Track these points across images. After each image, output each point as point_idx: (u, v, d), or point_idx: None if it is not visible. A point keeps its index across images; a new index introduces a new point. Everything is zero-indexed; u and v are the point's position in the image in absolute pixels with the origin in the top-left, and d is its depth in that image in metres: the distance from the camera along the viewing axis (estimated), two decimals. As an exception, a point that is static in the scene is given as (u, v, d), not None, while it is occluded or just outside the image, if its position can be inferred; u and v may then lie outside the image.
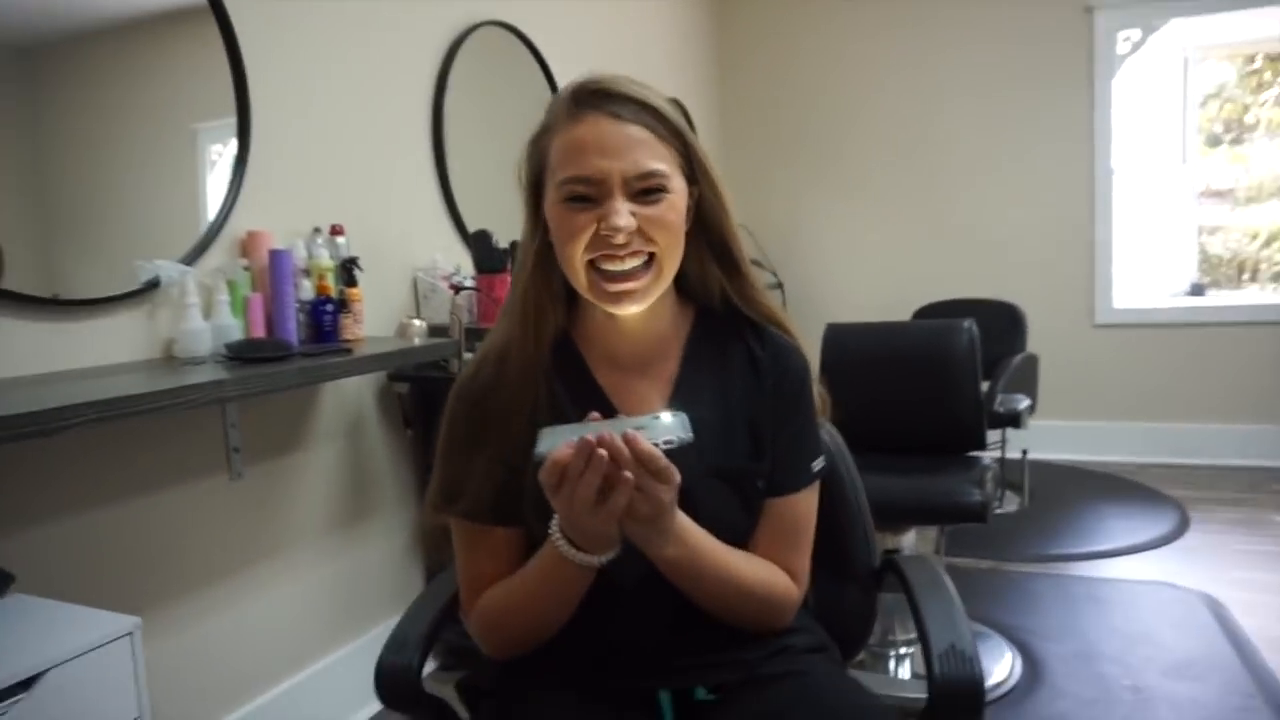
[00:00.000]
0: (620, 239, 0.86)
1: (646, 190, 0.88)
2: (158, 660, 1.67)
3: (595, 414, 0.82)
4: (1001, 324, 3.58)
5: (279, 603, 1.97)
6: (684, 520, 0.87)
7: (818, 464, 1.01)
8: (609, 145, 0.87)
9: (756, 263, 4.44)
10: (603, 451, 0.76)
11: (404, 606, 2.46)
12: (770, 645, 0.96)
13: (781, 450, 0.97)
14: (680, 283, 0.98)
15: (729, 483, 0.95)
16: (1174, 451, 4.04)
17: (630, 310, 0.91)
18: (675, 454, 0.79)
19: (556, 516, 0.84)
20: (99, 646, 1.15)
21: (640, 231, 0.88)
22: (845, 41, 4.48)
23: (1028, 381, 3.37)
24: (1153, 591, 2.65)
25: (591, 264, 0.89)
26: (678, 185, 0.91)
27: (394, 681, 0.96)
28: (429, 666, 1.02)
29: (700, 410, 0.88)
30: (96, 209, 1.67)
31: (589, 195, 0.88)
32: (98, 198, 1.67)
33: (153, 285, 1.68)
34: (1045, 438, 4.03)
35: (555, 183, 0.89)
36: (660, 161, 0.89)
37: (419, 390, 2.28)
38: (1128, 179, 4.16)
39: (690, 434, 0.79)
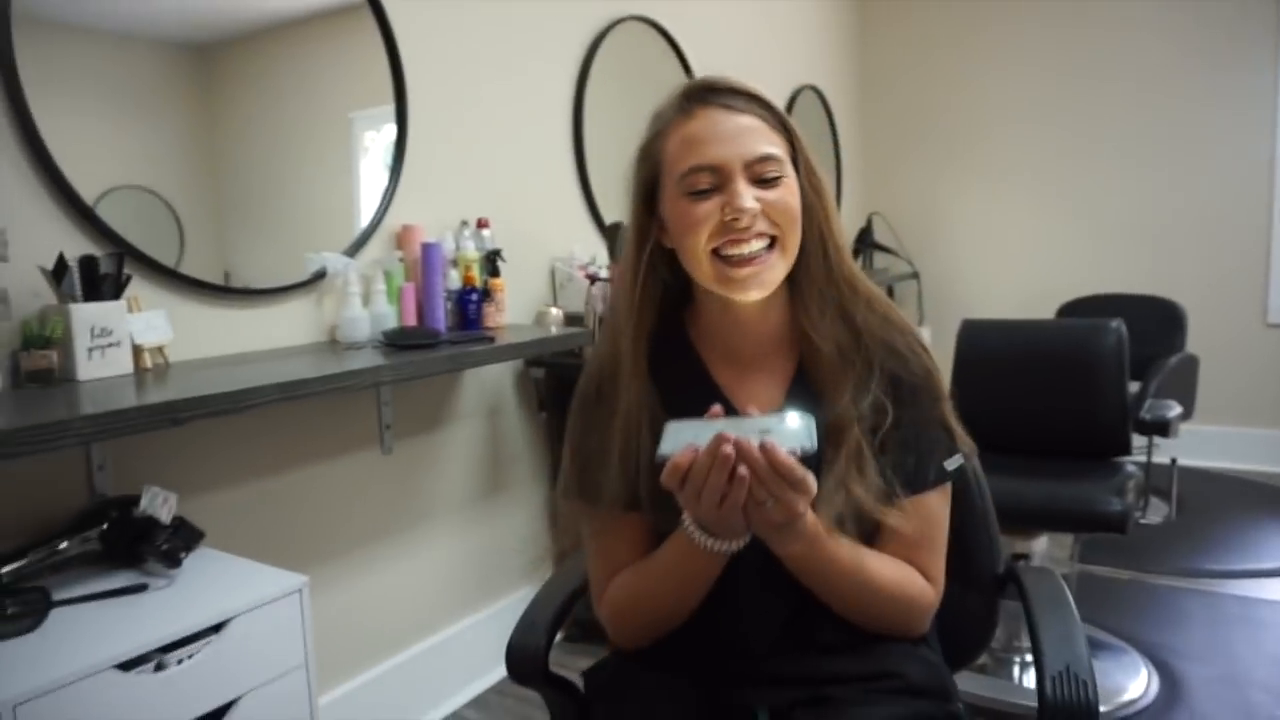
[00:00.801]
0: (745, 221, 0.88)
1: (765, 177, 0.90)
2: (318, 613, 1.86)
3: (717, 407, 0.83)
4: (1158, 322, 3.36)
5: (422, 568, 2.14)
6: (813, 517, 0.86)
7: (952, 463, 0.98)
8: (725, 133, 0.90)
9: (892, 251, 4.39)
10: (729, 450, 0.76)
11: (533, 579, 2.60)
12: (881, 666, 0.93)
13: (905, 448, 0.95)
14: (790, 283, 0.97)
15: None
16: (1355, 465, 3.70)
17: (753, 295, 0.91)
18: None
19: (686, 515, 0.86)
20: (274, 600, 1.31)
21: (763, 215, 0.89)
22: (992, 16, 4.28)
23: (1184, 385, 3.16)
24: (1317, 617, 2.46)
25: (715, 252, 0.90)
26: (790, 173, 0.92)
27: (522, 660, 1.04)
28: (557, 637, 1.09)
29: (818, 412, 0.88)
30: (265, 197, 1.83)
31: (710, 185, 0.90)
32: (266, 187, 1.83)
33: (319, 275, 1.85)
34: (1204, 444, 3.78)
35: (675, 178, 0.91)
36: (775, 147, 0.91)
37: (553, 375, 2.39)
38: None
39: (815, 443, 0.78)
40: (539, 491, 2.49)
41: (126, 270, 1.47)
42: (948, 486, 0.99)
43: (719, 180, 0.89)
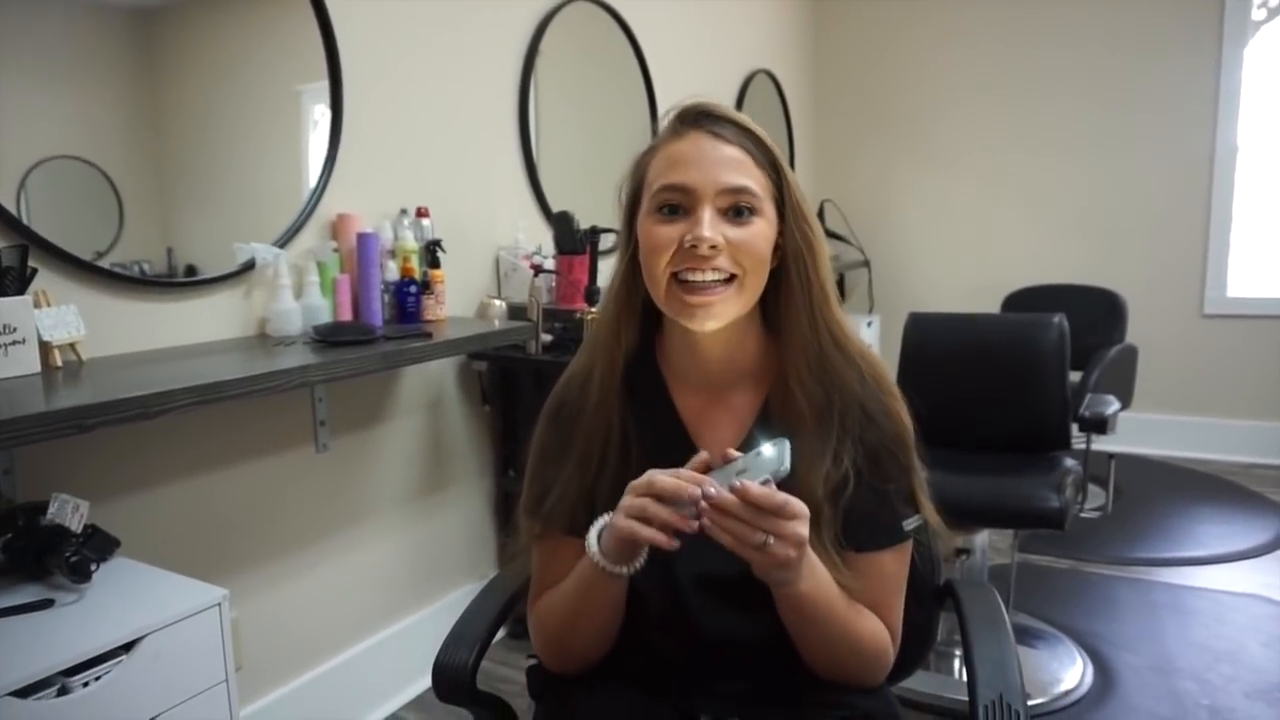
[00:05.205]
0: (704, 250, 0.87)
1: (736, 210, 0.89)
2: (248, 618, 1.79)
3: (704, 453, 0.84)
4: (1099, 313, 3.42)
5: (361, 567, 2.08)
6: (814, 557, 0.86)
7: (910, 523, 0.96)
8: (706, 159, 0.89)
9: (844, 239, 4.39)
10: (695, 491, 0.77)
11: (478, 573, 2.55)
12: (835, 697, 0.93)
13: (864, 510, 0.93)
14: (765, 320, 0.97)
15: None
16: (1282, 453, 3.82)
17: (707, 326, 0.90)
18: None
19: (594, 527, 0.88)
20: (191, 615, 1.25)
21: (726, 252, 0.88)
22: (944, 8, 4.28)
23: (1124, 375, 3.22)
24: (1244, 605, 2.53)
25: (674, 276, 0.90)
26: (768, 213, 0.91)
27: (449, 679, 1.00)
28: (499, 634, 1.07)
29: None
30: (212, 170, 1.75)
31: (680, 205, 0.89)
32: (213, 159, 1.75)
33: (248, 266, 1.77)
34: (1142, 431, 3.87)
35: (650, 193, 0.92)
36: (753, 182, 0.90)
37: (497, 369, 2.34)
38: (1255, 157, 3.88)
39: (787, 465, 0.78)
40: (483, 486, 2.44)
41: (32, 263, 1.38)
42: (907, 545, 0.97)
43: (689, 203, 0.89)
